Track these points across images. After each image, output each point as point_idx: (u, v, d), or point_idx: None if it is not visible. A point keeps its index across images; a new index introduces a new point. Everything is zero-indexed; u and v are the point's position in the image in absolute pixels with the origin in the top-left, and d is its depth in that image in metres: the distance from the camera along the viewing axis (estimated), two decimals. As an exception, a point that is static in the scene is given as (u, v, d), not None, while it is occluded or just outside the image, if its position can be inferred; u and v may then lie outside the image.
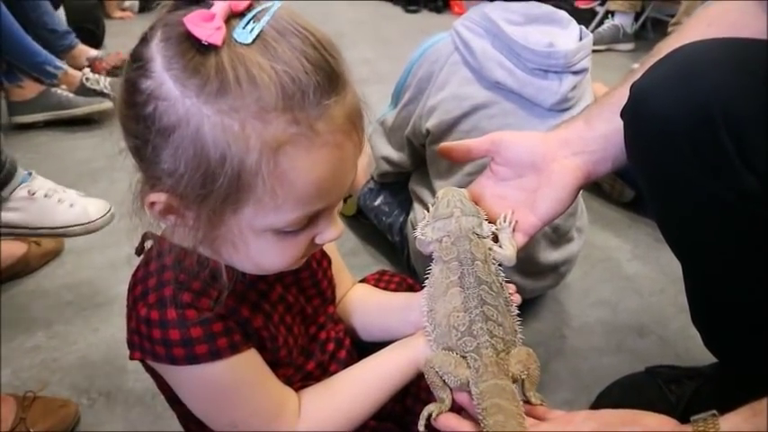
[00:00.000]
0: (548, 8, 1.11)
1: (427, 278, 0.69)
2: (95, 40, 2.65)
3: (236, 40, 0.49)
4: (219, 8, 0.49)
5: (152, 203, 0.54)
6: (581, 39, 1.10)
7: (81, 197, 1.27)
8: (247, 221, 0.54)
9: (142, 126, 0.51)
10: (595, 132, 0.74)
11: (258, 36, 0.49)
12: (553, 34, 1.08)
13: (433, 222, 0.71)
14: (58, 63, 1.98)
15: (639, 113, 0.69)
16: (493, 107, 1.09)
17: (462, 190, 0.74)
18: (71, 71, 2.00)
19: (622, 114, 0.70)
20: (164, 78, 0.49)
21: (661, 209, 0.75)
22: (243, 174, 0.50)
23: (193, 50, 0.48)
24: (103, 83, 2.00)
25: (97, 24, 2.68)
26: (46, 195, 1.24)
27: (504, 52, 1.07)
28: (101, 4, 3.02)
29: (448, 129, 1.13)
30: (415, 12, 3.70)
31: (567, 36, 1.09)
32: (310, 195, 0.53)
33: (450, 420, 0.62)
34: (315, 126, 0.51)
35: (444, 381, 0.63)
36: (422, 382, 0.73)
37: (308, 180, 0.52)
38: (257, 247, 0.56)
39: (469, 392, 0.62)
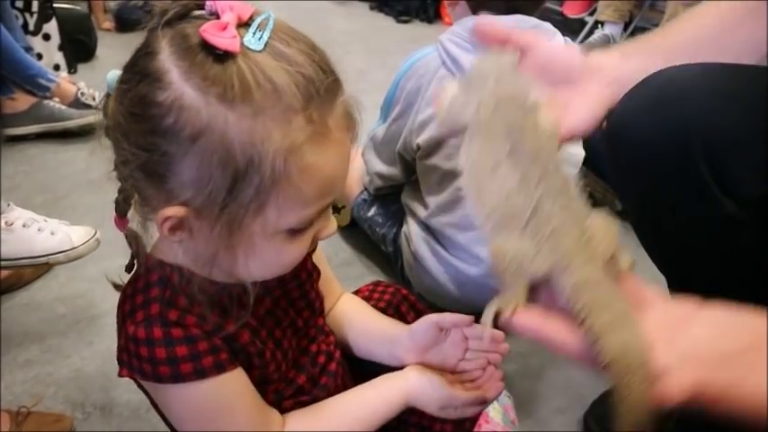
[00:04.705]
0: (533, 21, 1.11)
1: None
2: (88, 51, 2.65)
3: (249, 48, 0.50)
4: (230, 18, 0.51)
5: (166, 219, 0.54)
6: None
7: (63, 225, 1.26)
8: (269, 223, 0.54)
9: (159, 138, 0.51)
10: (630, 65, 0.69)
11: (266, 43, 0.51)
12: None
13: (467, 89, 0.59)
14: (51, 75, 1.97)
15: (619, 139, 0.69)
16: None
17: (509, 55, 0.62)
18: (64, 84, 2.00)
19: (603, 140, 0.70)
20: (184, 89, 0.50)
21: (643, 229, 0.76)
22: (272, 174, 0.51)
23: (210, 60, 0.50)
24: (99, 98, 2.00)
25: (89, 35, 2.68)
26: (24, 225, 1.23)
27: None
28: (91, 15, 3.02)
29: (437, 145, 1.13)
30: (406, 22, 3.72)
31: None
32: (325, 189, 0.56)
33: (533, 319, 0.49)
34: (327, 123, 0.53)
35: (518, 273, 0.51)
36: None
37: (324, 174, 0.54)
38: (270, 251, 0.57)
39: (548, 288, 0.51)
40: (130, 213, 0.61)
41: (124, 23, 3.07)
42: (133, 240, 0.63)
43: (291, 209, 0.54)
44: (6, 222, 1.22)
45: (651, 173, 0.67)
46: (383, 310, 0.83)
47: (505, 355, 0.73)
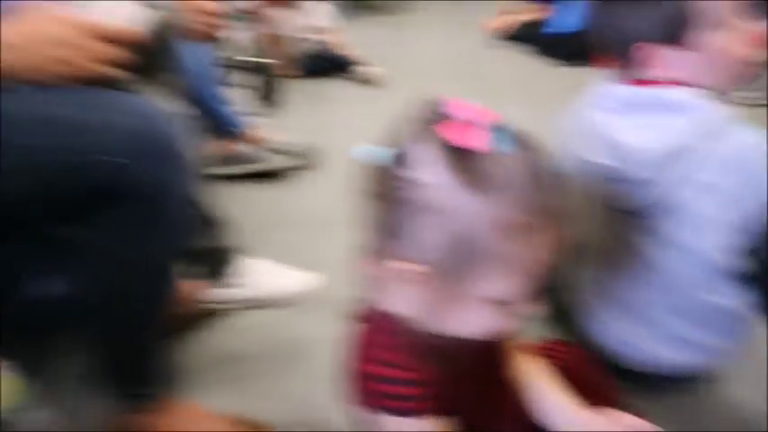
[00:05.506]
0: (653, 93, 0.96)
1: None
2: (275, 98, 2.92)
3: (492, 148, 0.61)
4: (481, 122, 0.62)
5: (396, 270, 0.65)
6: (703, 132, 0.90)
7: (291, 270, 1.42)
8: (482, 291, 0.65)
9: (404, 209, 0.63)
10: None
11: (507, 144, 0.62)
12: (650, 125, 0.93)
13: None
14: (243, 122, 2.18)
15: None
16: None
17: None
18: (255, 130, 2.21)
19: None
20: (433, 172, 0.61)
21: None
22: (496, 255, 0.62)
23: (462, 154, 0.61)
24: (286, 142, 2.23)
25: (277, 84, 2.94)
26: (256, 271, 1.40)
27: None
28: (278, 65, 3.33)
29: None
30: (570, 66, 3.66)
31: (671, 127, 0.92)
32: (532, 272, 0.65)
33: None
34: (545, 216, 0.63)
35: None
36: None
37: (535, 258, 0.64)
38: (479, 315, 0.67)
39: None
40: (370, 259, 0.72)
41: (309, 71, 3.35)
42: (372, 282, 0.74)
43: (502, 283, 0.64)
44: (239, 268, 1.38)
45: None
46: (562, 369, 0.87)
47: None
